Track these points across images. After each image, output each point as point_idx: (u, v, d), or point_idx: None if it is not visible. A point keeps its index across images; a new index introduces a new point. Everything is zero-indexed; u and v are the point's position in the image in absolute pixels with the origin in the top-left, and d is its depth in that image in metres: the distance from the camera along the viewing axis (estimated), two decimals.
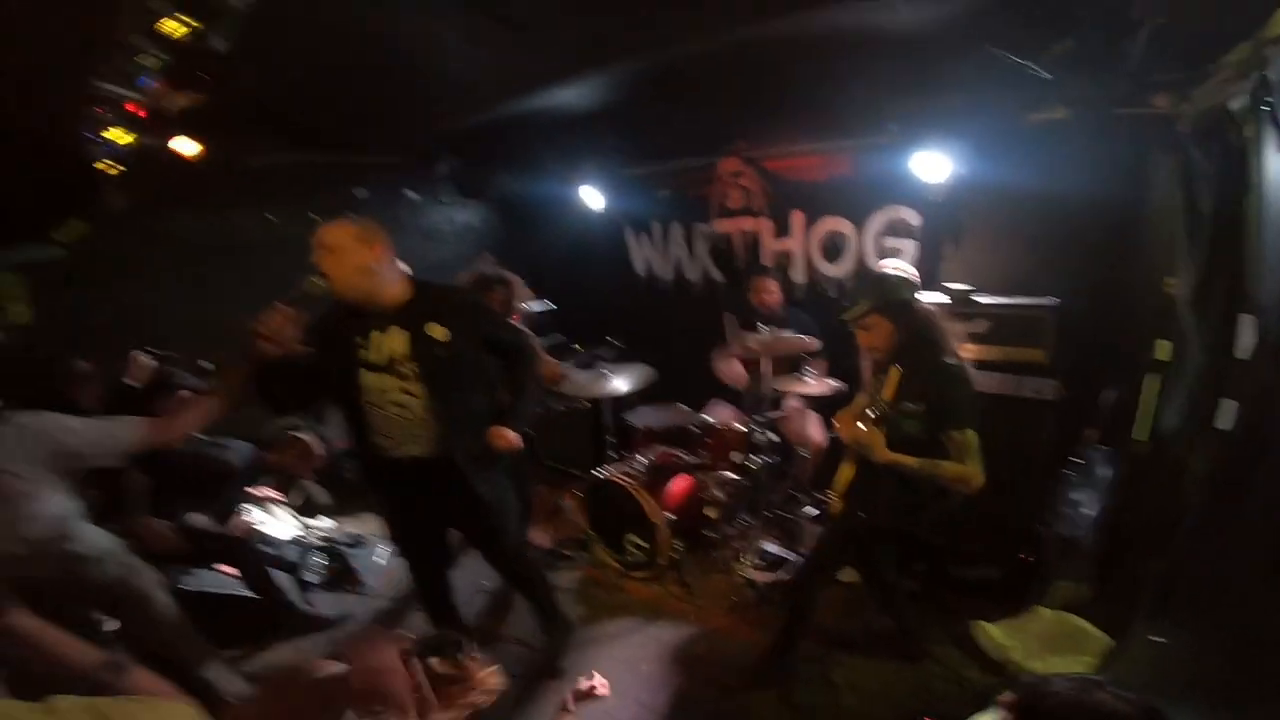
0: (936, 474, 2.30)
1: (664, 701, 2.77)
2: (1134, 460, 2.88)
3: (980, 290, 3.45)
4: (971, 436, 2.29)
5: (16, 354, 3.82)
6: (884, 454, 2.30)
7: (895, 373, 2.42)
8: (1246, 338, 2.03)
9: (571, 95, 3.80)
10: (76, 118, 2.58)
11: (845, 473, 2.64)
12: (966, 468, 2.28)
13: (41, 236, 3.95)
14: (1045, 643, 2.74)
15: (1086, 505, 3.05)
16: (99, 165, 3.20)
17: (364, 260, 2.17)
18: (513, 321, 2.65)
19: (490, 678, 1.26)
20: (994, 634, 2.85)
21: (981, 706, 1.38)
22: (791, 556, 3.60)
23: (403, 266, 2.34)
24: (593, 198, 5.19)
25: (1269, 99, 1.80)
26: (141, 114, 2.53)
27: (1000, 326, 3.31)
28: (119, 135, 2.77)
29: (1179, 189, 2.35)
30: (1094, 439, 3.22)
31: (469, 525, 2.65)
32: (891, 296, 2.43)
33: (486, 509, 2.46)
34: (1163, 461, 2.65)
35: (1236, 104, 1.93)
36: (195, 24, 1.84)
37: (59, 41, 2.07)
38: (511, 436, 2.39)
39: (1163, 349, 2.71)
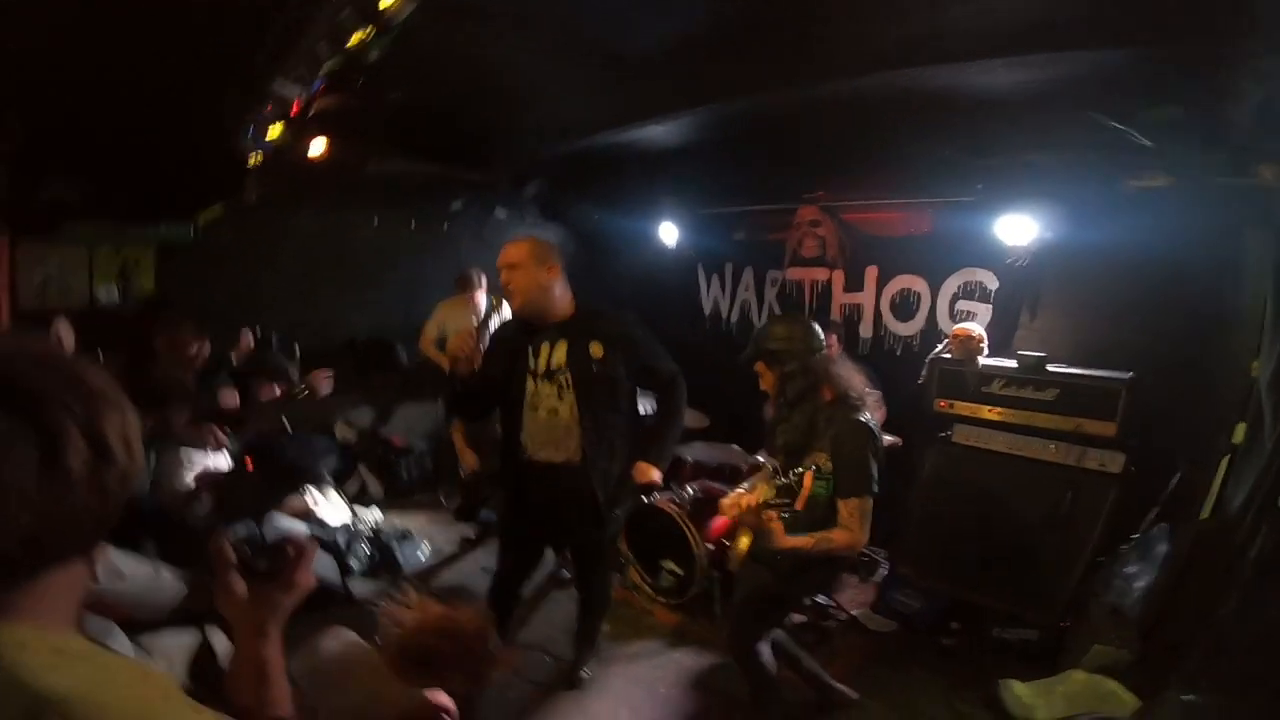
0: (830, 549, 2.23)
1: None
2: (1195, 536, 2.78)
3: (1054, 359, 3.43)
4: (868, 503, 2.23)
5: (135, 318, 4.25)
6: (783, 541, 2.20)
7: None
8: None
9: (661, 132, 4.01)
10: (249, 112, 2.93)
11: (744, 541, 2.47)
12: (855, 535, 2.22)
13: (184, 217, 4.43)
14: (1072, 703, 2.66)
15: (1138, 578, 2.97)
16: (251, 158, 3.59)
17: (541, 278, 2.39)
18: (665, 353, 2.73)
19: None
20: (1020, 693, 2.78)
21: None
22: (823, 600, 3.58)
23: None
24: (669, 233, 5.38)
25: None
26: (294, 112, 2.85)
27: (1071, 396, 3.28)
28: (274, 131, 3.11)
29: (1272, 268, 2.32)
30: (1157, 517, 3.12)
31: (580, 537, 2.70)
32: (769, 346, 2.42)
33: (601, 528, 2.57)
34: (1222, 538, 2.56)
35: None
36: (372, 32, 2.12)
37: (250, 42, 2.41)
38: (654, 474, 2.49)
39: (1239, 432, 2.64)
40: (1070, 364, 3.40)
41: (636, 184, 5.30)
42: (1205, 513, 2.77)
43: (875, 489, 2.24)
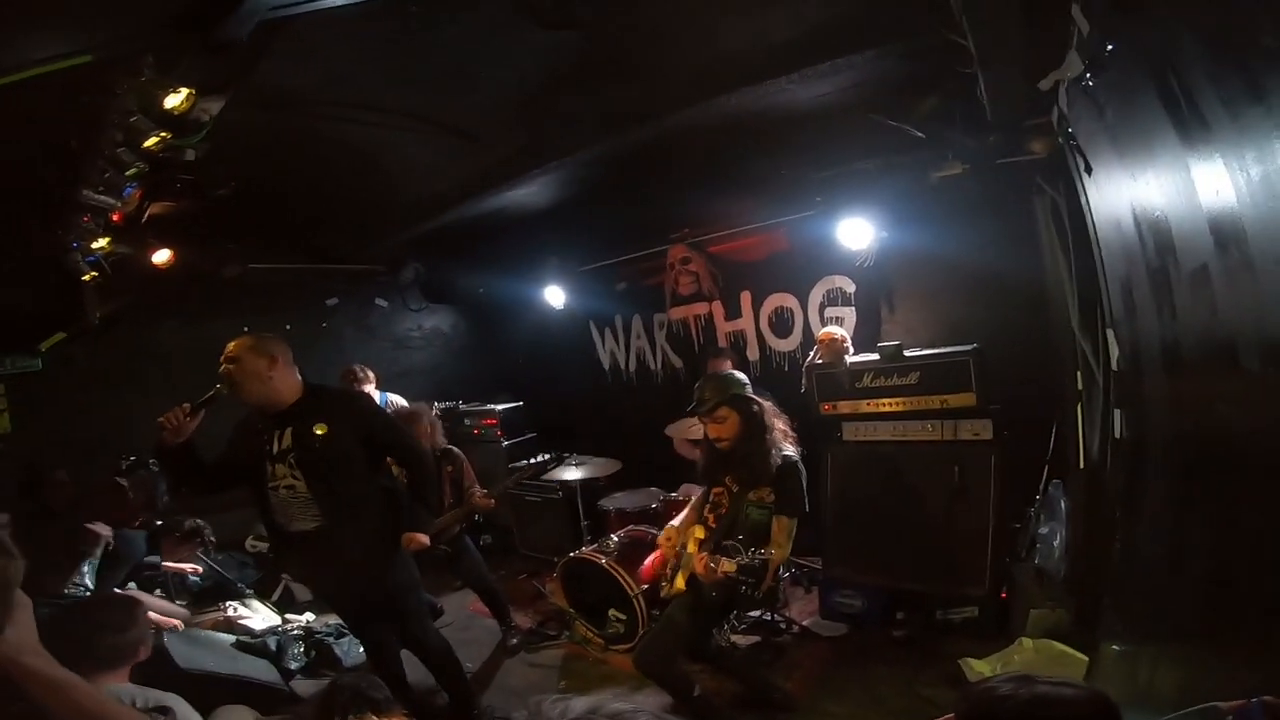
0: (763, 570, 2.52)
1: None
2: (1077, 486, 2.98)
3: (916, 345, 3.68)
4: (793, 522, 2.65)
5: None
6: (715, 579, 2.55)
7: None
8: (1115, 350, 2.22)
9: (525, 195, 4.17)
10: (65, 229, 2.83)
11: (680, 580, 2.85)
12: (784, 549, 2.62)
13: (27, 347, 4.14)
14: (1030, 669, 2.69)
15: (1054, 536, 3.13)
16: (85, 277, 3.43)
17: (260, 369, 2.50)
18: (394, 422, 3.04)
19: None
20: (981, 668, 2.84)
21: None
22: (769, 618, 3.60)
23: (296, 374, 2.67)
24: (555, 296, 5.48)
25: (1069, 130, 2.11)
26: (116, 219, 2.78)
27: (930, 376, 3.50)
28: (102, 245, 3.01)
29: (1051, 223, 2.62)
30: (1048, 474, 3.34)
31: (366, 593, 2.76)
32: (736, 391, 2.75)
33: (378, 581, 2.68)
34: (1093, 483, 2.76)
35: (1059, 139, 2.24)
36: (167, 135, 2.13)
37: (50, 158, 2.35)
38: (420, 539, 2.71)
39: (1078, 379, 2.90)
40: (930, 347, 3.65)
41: (514, 251, 5.43)
42: (1082, 462, 2.97)
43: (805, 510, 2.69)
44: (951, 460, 3.43)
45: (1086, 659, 2.56)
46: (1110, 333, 2.24)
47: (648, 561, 3.78)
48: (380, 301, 5.86)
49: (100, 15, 1.67)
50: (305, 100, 2.76)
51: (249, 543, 4.66)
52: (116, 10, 1.69)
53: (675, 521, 3.06)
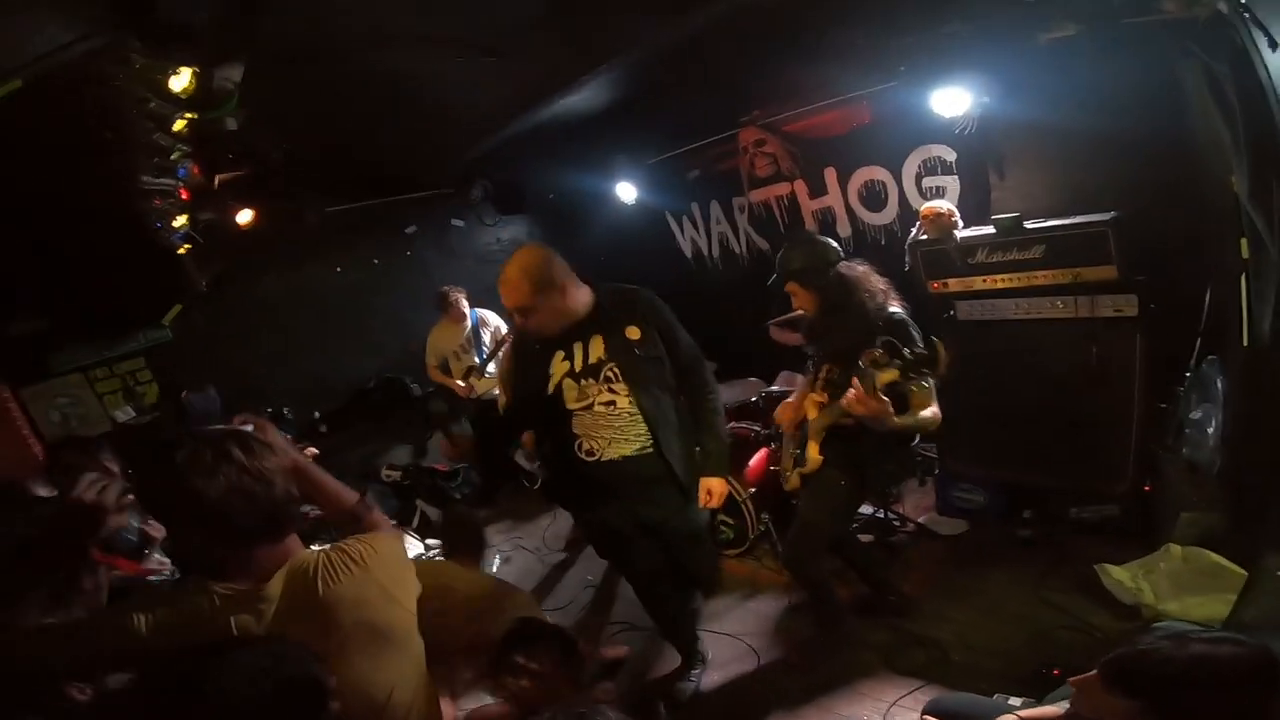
0: (919, 425, 2.36)
1: (775, 675, 2.77)
2: (1240, 368, 2.57)
3: (1032, 216, 3.22)
4: (930, 384, 2.35)
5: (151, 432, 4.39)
6: (893, 420, 2.28)
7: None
8: None
9: (580, 100, 3.85)
10: (143, 214, 2.94)
11: (813, 452, 2.58)
12: (937, 409, 2.39)
13: (154, 322, 4.53)
14: (1177, 582, 2.47)
15: (1208, 423, 2.70)
16: (179, 250, 3.62)
17: (554, 303, 2.22)
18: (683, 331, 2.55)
19: None
20: (1120, 576, 2.61)
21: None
22: (883, 515, 3.50)
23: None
24: (627, 191, 5.26)
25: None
26: (185, 196, 2.84)
27: (1059, 248, 3.07)
28: (182, 221, 3.12)
29: (1207, 91, 2.10)
30: (1201, 349, 2.89)
31: (674, 522, 2.50)
32: (796, 265, 2.60)
33: (688, 506, 2.46)
34: (1260, 362, 2.37)
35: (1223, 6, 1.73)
36: (192, 115, 2.08)
37: (99, 153, 2.39)
38: (716, 489, 2.43)
39: (1244, 247, 2.42)
40: (1056, 216, 3.17)
41: (579, 153, 5.14)
42: (1246, 338, 2.53)
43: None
44: (1087, 338, 3.07)
45: (1245, 574, 2.28)
46: None
47: (753, 462, 3.73)
48: (456, 222, 5.85)
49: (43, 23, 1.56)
50: (332, 48, 2.58)
51: (384, 473, 5.05)
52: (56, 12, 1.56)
53: (789, 399, 2.91)
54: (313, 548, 1.34)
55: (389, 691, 1.29)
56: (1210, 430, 2.66)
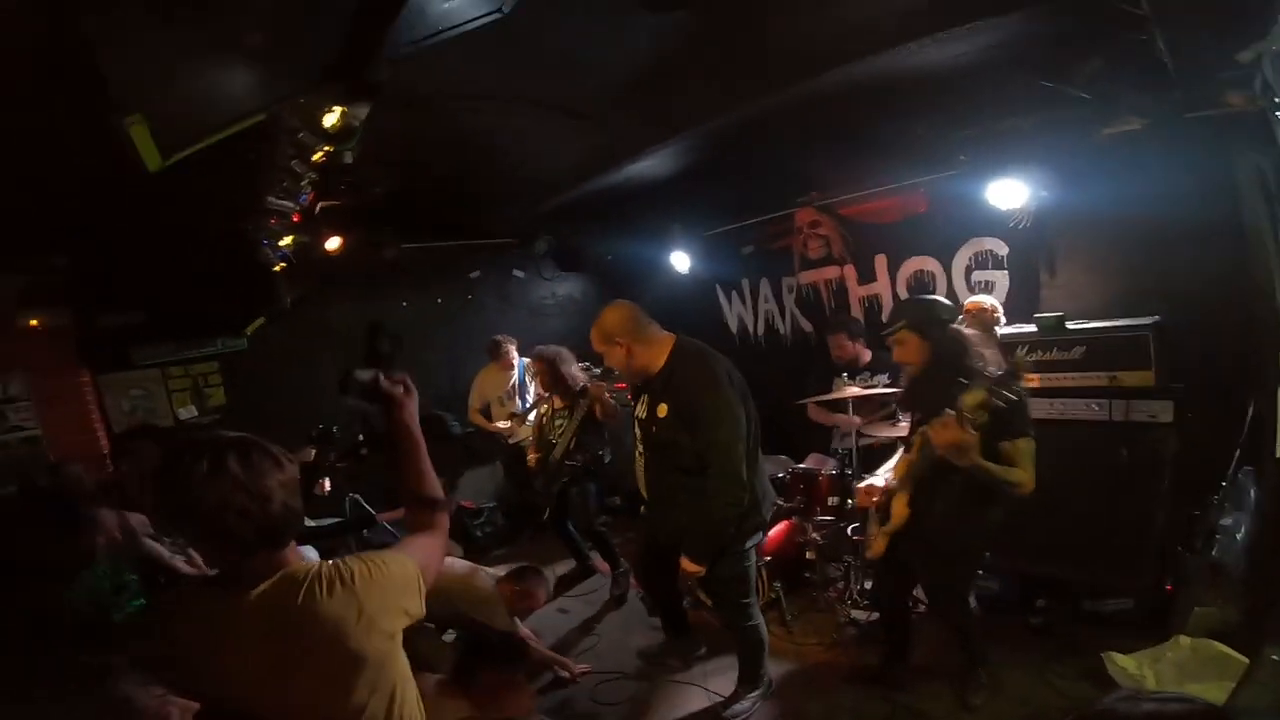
0: (1008, 478, 2.36)
1: None
2: (1270, 476, 2.58)
3: (1078, 316, 3.30)
4: (1027, 444, 2.39)
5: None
6: (976, 456, 2.29)
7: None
8: None
9: (649, 166, 4.17)
10: (256, 230, 3.29)
11: (899, 507, 2.61)
12: (1026, 472, 2.38)
13: (235, 330, 4.89)
14: (1183, 670, 2.49)
15: (1237, 528, 2.74)
16: (276, 268, 3.97)
17: (617, 355, 2.60)
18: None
19: None
20: (1125, 664, 2.61)
21: None
22: None
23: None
24: (681, 261, 5.49)
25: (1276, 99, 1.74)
26: (296, 219, 3.17)
27: (1099, 351, 3.13)
28: (287, 241, 3.46)
29: (1258, 190, 2.20)
30: (1239, 460, 2.89)
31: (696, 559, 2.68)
32: (922, 315, 2.62)
33: (705, 558, 2.62)
34: None
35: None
36: (330, 148, 2.39)
37: (238, 172, 2.73)
38: (690, 568, 2.59)
39: None
40: (1103, 317, 3.25)
41: (639, 219, 5.46)
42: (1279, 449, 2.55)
43: (1030, 432, 2.40)
44: (1119, 442, 3.06)
45: (1248, 661, 2.25)
46: None
47: (773, 532, 3.78)
48: (517, 272, 6.19)
49: (271, 78, 1.88)
50: (434, 98, 2.93)
51: None
52: (282, 71, 1.89)
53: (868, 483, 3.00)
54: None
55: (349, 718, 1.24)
56: (1239, 536, 2.70)
